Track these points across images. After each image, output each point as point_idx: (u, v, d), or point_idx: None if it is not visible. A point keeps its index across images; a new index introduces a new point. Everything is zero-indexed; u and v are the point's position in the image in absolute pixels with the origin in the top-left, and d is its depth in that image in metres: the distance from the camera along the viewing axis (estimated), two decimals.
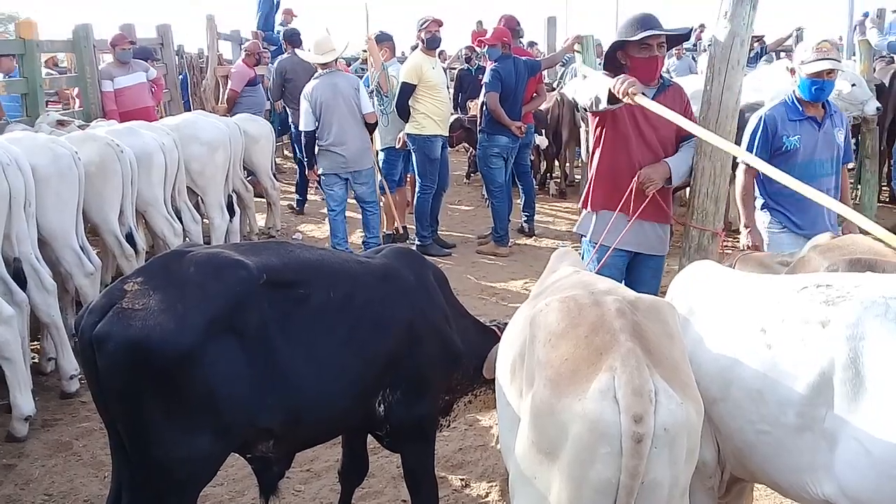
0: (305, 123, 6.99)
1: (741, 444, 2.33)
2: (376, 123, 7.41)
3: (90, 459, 4.10)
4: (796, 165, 4.01)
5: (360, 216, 7.55)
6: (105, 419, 2.43)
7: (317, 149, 7.07)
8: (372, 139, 7.48)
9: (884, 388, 1.96)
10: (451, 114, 8.77)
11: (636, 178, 3.92)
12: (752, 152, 3.98)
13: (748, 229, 4.15)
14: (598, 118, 4.07)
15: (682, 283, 2.77)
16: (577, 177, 10.76)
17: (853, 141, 6.82)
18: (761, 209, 4.25)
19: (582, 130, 8.61)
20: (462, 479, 3.93)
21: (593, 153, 4.21)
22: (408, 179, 8.68)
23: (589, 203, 4.18)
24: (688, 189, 4.51)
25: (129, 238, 5.54)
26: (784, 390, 2.15)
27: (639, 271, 4.13)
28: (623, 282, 3.78)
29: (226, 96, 10.12)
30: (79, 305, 5.11)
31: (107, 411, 2.38)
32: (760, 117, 4.14)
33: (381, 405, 2.86)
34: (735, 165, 4.26)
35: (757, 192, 4.26)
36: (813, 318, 2.14)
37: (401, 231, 8.34)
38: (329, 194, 7.23)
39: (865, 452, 1.98)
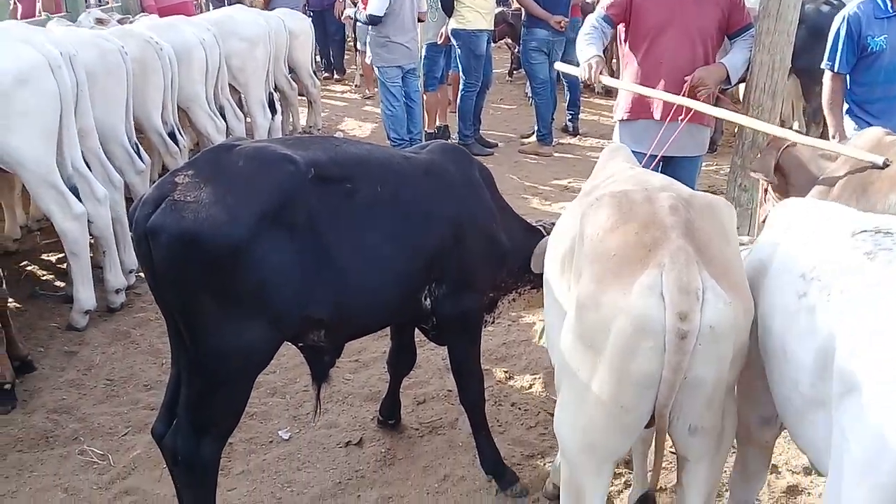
0: (378, 7, 6.79)
1: (778, 401, 2.02)
2: (421, 21, 7.29)
3: (148, 347, 4.28)
4: (882, 68, 3.77)
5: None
6: (162, 308, 2.51)
7: (378, 40, 6.95)
8: None
9: (871, 379, 1.55)
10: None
11: (689, 80, 3.76)
12: (836, 56, 3.82)
13: (836, 139, 3.87)
14: (620, 20, 3.96)
15: (768, 222, 2.38)
16: None
17: None
18: (845, 114, 4.00)
19: None
20: (506, 372, 4.02)
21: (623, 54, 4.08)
22: (449, 77, 8.51)
23: (625, 111, 4.06)
24: (742, 84, 4.35)
25: (172, 136, 5.58)
26: (802, 353, 1.81)
27: (672, 173, 3.98)
28: None
29: None
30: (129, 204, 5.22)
31: (163, 301, 2.45)
32: (844, 17, 3.83)
33: (427, 299, 2.90)
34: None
35: None
36: (846, 271, 1.76)
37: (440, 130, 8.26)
38: (393, 88, 7.14)
39: (849, 452, 1.59)
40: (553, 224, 3.45)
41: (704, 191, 3.40)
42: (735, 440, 2.26)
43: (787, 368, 1.89)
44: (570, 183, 7.04)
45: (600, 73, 3.84)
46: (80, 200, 4.28)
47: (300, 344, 2.72)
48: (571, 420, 2.03)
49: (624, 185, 2.20)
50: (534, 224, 3.36)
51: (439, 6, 7.52)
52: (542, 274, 3.19)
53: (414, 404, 3.74)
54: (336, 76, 11.81)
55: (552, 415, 3.67)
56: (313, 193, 2.50)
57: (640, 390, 1.86)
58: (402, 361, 3.44)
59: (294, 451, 3.40)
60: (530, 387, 3.92)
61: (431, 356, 4.07)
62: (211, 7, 9.49)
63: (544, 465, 3.36)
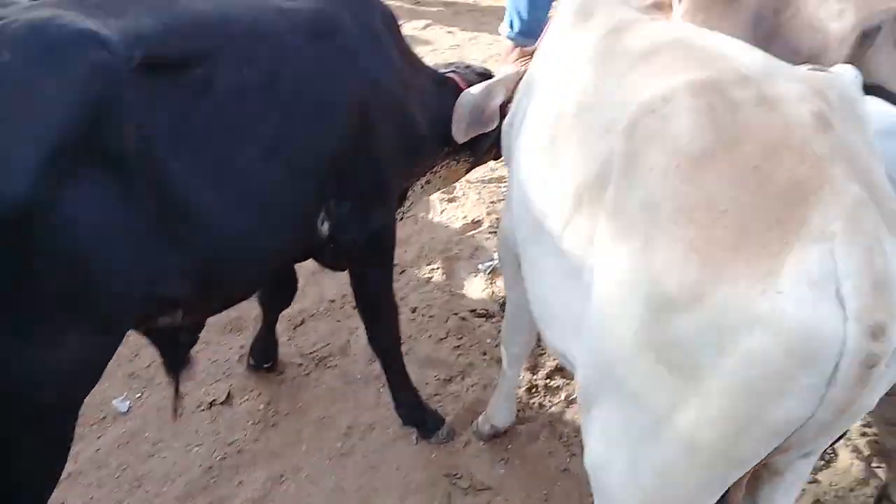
0: None
1: None
2: None
3: None
4: None
5: None
6: None
7: None
8: None
9: None
10: None
11: None
12: None
13: None
14: None
15: None
16: None
17: None
18: None
19: None
20: (395, 265, 3.21)
21: None
22: None
23: None
24: None
25: None
26: None
27: None
28: None
29: None
30: None
31: None
32: None
33: (325, 223, 1.96)
34: None
35: None
36: None
37: None
38: None
39: None
40: (469, 69, 2.54)
41: None
42: None
43: None
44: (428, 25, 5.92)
45: None
46: None
47: (144, 330, 1.73)
48: (629, 461, 1.27)
49: (683, 63, 1.30)
50: (444, 73, 2.44)
51: None
52: (464, 145, 2.33)
53: (290, 328, 2.86)
54: None
55: (465, 319, 3.01)
56: (143, 94, 1.42)
57: (770, 439, 1.14)
58: (280, 293, 2.51)
59: (139, 429, 2.45)
60: (429, 280, 3.16)
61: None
62: None
63: (466, 390, 2.70)
